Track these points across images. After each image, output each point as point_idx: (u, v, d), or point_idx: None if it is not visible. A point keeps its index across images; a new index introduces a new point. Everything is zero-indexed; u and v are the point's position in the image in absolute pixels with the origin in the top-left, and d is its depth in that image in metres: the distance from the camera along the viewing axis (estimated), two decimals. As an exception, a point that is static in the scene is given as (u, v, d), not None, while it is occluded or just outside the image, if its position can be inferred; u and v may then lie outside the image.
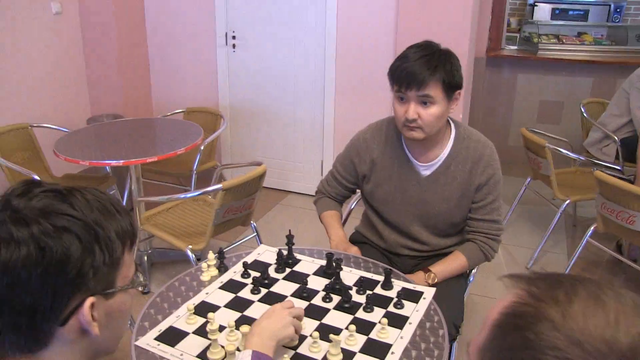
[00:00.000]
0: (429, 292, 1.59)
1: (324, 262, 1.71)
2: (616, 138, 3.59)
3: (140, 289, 0.90)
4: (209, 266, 1.62)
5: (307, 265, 1.71)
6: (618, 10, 6.08)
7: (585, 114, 3.87)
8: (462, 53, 3.39)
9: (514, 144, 4.64)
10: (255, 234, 2.79)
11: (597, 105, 4.05)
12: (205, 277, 1.61)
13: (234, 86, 4.03)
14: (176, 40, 4.05)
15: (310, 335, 1.32)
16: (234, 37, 3.89)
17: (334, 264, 1.63)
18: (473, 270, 2.07)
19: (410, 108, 1.70)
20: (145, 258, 2.97)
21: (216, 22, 3.88)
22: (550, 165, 3.13)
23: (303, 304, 1.51)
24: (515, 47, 4.81)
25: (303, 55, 3.79)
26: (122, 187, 3.31)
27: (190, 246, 2.46)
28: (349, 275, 1.65)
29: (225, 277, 1.62)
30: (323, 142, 3.95)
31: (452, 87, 1.71)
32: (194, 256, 2.46)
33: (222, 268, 1.65)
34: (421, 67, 1.66)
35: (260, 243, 2.79)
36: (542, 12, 6.27)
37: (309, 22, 3.70)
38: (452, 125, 1.90)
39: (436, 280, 1.81)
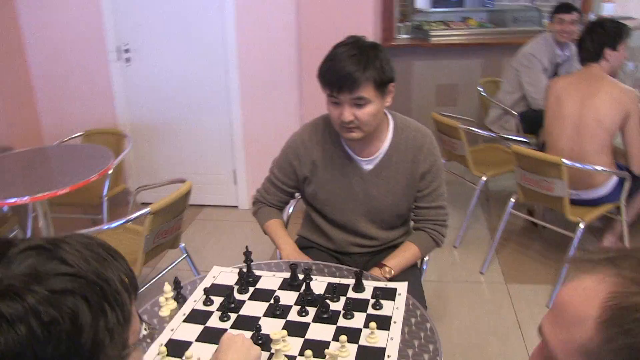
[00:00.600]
0: (402, 287, 1.55)
1: (286, 275, 1.62)
2: (515, 113, 3.80)
3: (148, 340, 0.77)
4: (166, 299, 1.46)
5: (270, 280, 1.61)
6: (490, -6, 6.48)
7: (483, 93, 4.06)
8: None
9: (417, 130, 4.75)
10: (186, 255, 2.62)
11: (492, 84, 4.26)
12: (164, 311, 1.45)
13: (133, 102, 3.77)
14: (62, 58, 3.71)
15: (303, 355, 1.23)
16: (127, 51, 3.64)
17: (302, 274, 1.54)
18: (425, 259, 2.07)
19: (345, 111, 1.65)
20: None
21: (106, 36, 3.61)
22: (465, 145, 3.23)
23: (279, 322, 1.41)
24: (407, 36, 4.94)
25: (203, 63, 3.63)
26: (23, 226, 2.98)
27: (121, 279, 2.25)
28: (317, 284, 1.57)
29: (186, 308, 1.47)
30: (233, 151, 3.82)
31: (384, 82, 1.68)
32: (126, 289, 2.25)
33: (180, 299, 1.51)
34: (351, 69, 1.60)
35: (192, 264, 2.64)
36: (424, 0, 6.55)
37: (206, 29, 3.55)
38: (390, 116, 1.87)
39: (392, 274, 1.79)
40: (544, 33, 3.80)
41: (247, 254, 1.60)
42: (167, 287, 1.47)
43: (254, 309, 1.47)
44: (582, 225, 2.70)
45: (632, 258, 0.60)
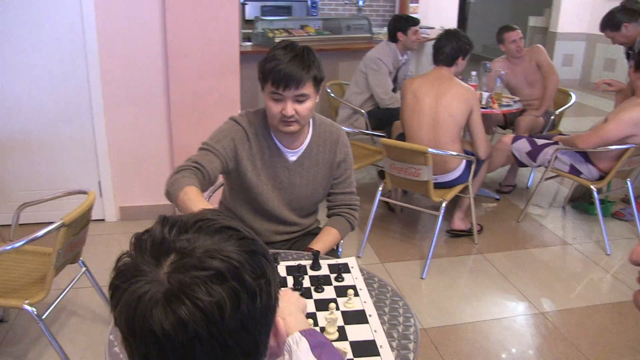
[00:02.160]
0: (352, 261, 1.76)
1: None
2: (363, 112, 4.22)
3: None
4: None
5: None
6: (314, 5, 6.98)
7: (333, 95, 4.43)
8: (234, 54, 3.54)
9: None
10: (85, 269, 2.51)
11: (337, 87, 4.66)
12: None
13: (-26, 115, 3.40)
14: None
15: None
16: (-35, 58, 3.27)
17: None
18: (341, 242, 2.29)
19: (288, 106, 1.80)
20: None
21: (-62, 42, 3.20)
22: (334, 142, 3.53)
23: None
24: (251, 43, 5.14)
25: (60, 69, 3.41)
26: None
27: (27, 300, 2.10)
28: (278, 268, 1.70)
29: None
30: (98, 161, 3.65)
31: (320, 80, 1.87)
32: (35, 310, 2.11)
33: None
34: (296, 68, 1.76)
35: (93, 278, 2.54)
36: (253, 9, 6.81)
37: (62, 30, 3.35)
38: None
39: (319, 257, 1.98)
40: (385, 41, 4.29)
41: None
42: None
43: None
44: (444, 204, 3.16)
45: None
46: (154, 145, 3.68)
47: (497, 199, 4.25)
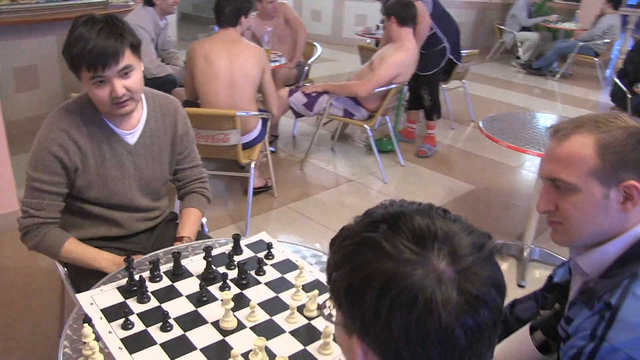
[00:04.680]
0: (265, 236, 1.73)
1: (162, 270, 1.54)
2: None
3: None
4: (92, 343, 1.21)
5: (153, 281, 1.51)
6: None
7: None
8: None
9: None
10: None
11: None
12: (98, 357, 1.22)
13: None
14: None
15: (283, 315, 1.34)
16: None
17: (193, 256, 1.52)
18: (204, 220, 2.19)
19: (116, 86, 1.59)
20: None
21: None
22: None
23: (215, 306, 1.40)
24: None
25: None
26: None
27: None
28: (193, 264, 1.58)
29: (113, 343, 1.27)
30: None
31: (138, 46, 1.67)
32: None
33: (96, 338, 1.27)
34: (108, 42, 1.55)
35: None
36: None
37: None
38: None
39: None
40: (141, 5, 3.96)
41: (130, 261, 1.44)
42: (88, 330, 1.21)
43: (180, 307, 1.39)
44: (253, 164, 3.21)
45: (594, 120, 1.11)
46: None
47: (273, 151, 4.45)
